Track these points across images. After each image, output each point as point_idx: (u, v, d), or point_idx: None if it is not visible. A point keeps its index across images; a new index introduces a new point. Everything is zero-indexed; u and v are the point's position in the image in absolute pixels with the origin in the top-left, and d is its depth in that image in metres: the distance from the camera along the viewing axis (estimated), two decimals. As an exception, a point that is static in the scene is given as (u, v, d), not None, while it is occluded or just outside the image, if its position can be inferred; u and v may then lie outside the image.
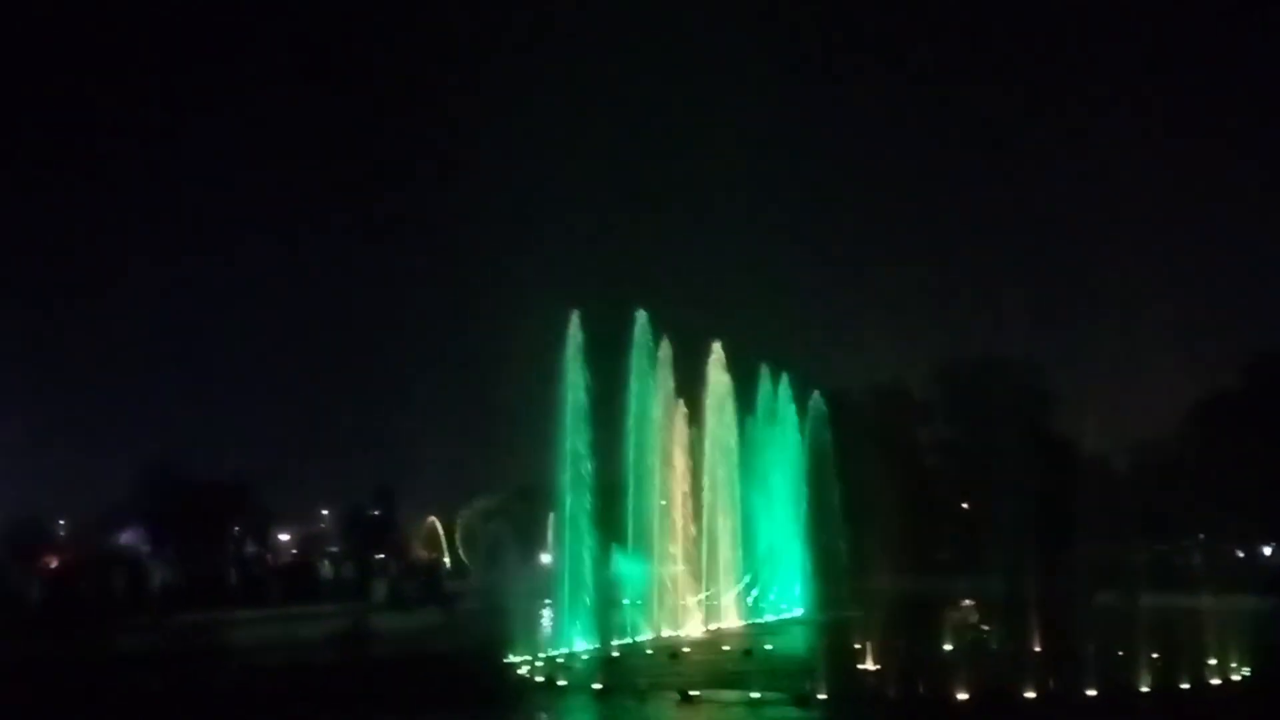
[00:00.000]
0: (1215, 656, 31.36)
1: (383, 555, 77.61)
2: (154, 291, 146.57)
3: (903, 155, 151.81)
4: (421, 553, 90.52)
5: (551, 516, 44.02)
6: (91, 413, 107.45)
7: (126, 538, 69.72)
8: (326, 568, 71.99)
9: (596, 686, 29.85)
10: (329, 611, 52.48)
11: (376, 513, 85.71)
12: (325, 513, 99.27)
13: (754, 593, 55.54)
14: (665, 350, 47.60)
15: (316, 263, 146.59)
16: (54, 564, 66.51)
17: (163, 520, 66.49)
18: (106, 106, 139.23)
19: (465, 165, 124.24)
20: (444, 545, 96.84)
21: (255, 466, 77.90)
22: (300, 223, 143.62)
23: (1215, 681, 29.23)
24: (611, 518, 44.99)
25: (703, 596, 49.53)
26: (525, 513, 66.16)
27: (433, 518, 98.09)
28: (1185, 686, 28.15)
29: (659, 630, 44.72)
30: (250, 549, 75.43)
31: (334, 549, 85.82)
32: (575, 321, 41.94)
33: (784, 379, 58.51)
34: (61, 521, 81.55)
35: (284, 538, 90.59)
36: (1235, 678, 29.97)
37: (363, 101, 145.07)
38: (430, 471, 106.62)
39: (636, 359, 46.23)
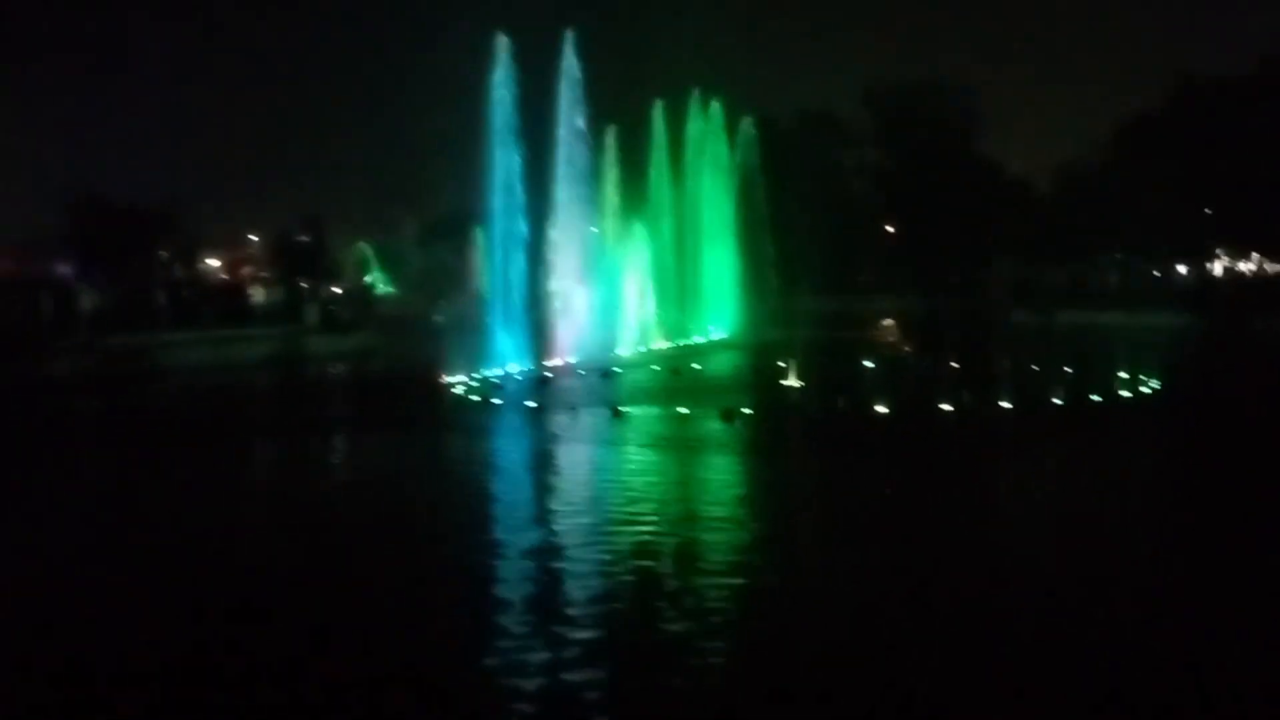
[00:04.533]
0: (1126, 371, 32.71)
1: (312, 281, 77.62)
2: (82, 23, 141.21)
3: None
4: (353, 277, 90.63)
5: (483, 241, 44.05)
6: (14, 141, 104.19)
7: (54, 263, 69.01)
8: (258, 292, 71.90)
9: (530, 404, 30.61)
10: (262, 335, 52.76)
11: (305, 239, 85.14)
12: (254, 239, 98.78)
13: (685, 315, 56.65)
14: (595, 73, 46.85)
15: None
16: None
17: (89, 245, 65.66)
18: None
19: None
20: (375, 270, 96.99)
21: (183, 193, 76.47)
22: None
23: (1125, 395, 30.35)
24: (541, 243, 45.20)
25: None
26: (456, 238, 66.27)
27: (363, 242, 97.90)
28: (1096, 399, 29.17)
29: (590, 353, 45.51)
30: (178, 273, 74.97)
31: (264, 274, 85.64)
32: (502, 44, 40.96)
33: (714, 104, 58.19)
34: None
35: (213, 263, 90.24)
36: (1145, 390, 31.18)
37: None
38: (359, 199, 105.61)
39: (565, 81, 45.51)
